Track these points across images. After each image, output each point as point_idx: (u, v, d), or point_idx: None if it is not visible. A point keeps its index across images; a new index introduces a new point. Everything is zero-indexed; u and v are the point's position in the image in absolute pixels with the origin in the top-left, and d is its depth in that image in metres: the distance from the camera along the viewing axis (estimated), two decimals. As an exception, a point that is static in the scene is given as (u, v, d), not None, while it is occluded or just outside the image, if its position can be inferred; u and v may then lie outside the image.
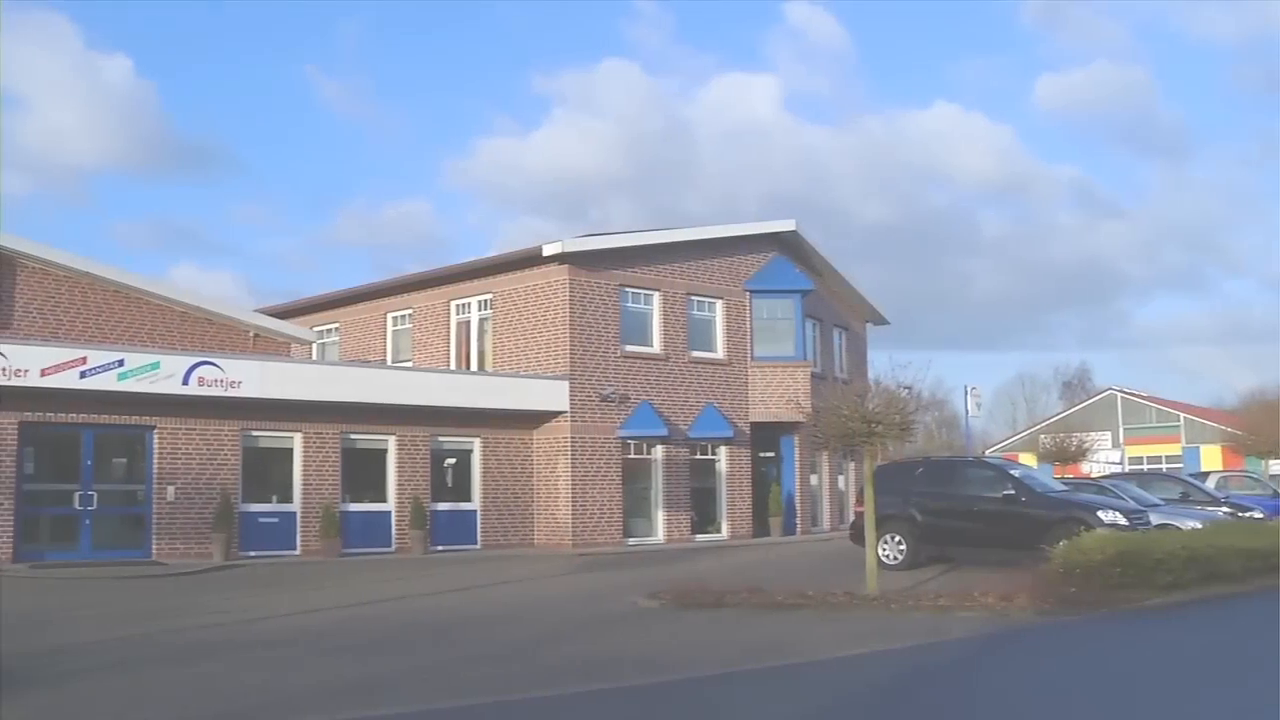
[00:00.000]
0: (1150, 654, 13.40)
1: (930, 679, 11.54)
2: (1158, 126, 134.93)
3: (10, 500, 23.40)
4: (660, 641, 14.16)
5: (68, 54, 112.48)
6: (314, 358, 35.36)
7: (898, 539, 22.66)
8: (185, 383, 24.50)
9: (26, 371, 22.78)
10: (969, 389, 47.20)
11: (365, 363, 34.15)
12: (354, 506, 27.70)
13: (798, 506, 34.99)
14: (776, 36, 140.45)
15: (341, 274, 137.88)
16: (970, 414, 48.79)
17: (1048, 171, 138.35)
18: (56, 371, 23.13)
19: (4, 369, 22.56)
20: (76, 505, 24.42)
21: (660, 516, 31.65)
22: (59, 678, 11.04)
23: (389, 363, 34.99)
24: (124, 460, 26.17)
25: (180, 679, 11.13)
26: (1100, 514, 20.65)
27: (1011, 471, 23.57)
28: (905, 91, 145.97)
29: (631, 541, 30.51)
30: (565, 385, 29.75)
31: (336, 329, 38.02)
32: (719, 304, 33.71)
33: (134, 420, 25.09)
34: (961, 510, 22.40)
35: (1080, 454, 39.84)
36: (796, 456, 35.30)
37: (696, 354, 32.79)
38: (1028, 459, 45.44)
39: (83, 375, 23.40)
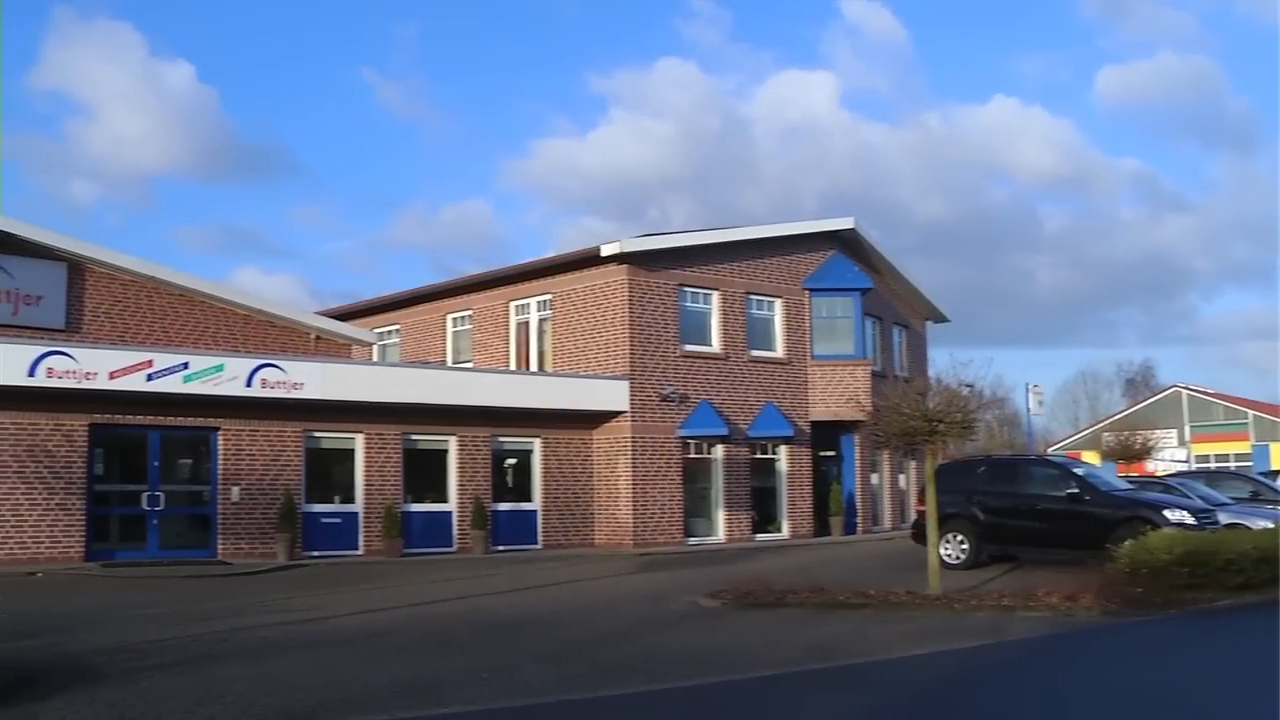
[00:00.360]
0: (1221, 657, 13.16)
1: (994, 679, 11.46)
2: (1225, 117, 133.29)
3: (82, 500, 23.83)
4: (722, 641, 14.14)
5: (132, 62, 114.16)
6: (375, 359, 35.65)
7: (960, 538, 22.52)
8: (249, 385, 24.81)
9: (96, 374, 23.19)
10: (1030, 387, 46.82)
11: (426, 364, 34.40)
12: (415, 507, 27.94)
13: (858, 506, 34.85)
14: (833, 33, 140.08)
15: (401, 275, 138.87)
16: (1032, 412, 48.41)
17: (1110, 165, 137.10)
18: (124, 374, 23.50)
19: (75, 372, 22.97)
20: (144, 505, 24.81)
21: (721, 516, 31.65)
22: (131, 673, 11.20)
23: (449, 364, 35.21)
24: (189, 461, 26.55)
25: (246, 676, 11.25)
26: (1167, 513, 20.38)
27: (1075, 470, 23.31)
28: (963, 87, 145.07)
29: (692, 541, 30.53)
30: (625, 385, 29.82)
31: (397, 330, 38.30)
32: (778, 303, 33.65)
33: (199, 422, 25.46)
34: (1024, 509, 22.20)
35: (1145, 452, 39.38)
36: (857, 455, 35.17)
37: (756, 353, 32.75)
38: (1090, 458, 44.95)
39: (149, 378, 23.77)
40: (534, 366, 33.12)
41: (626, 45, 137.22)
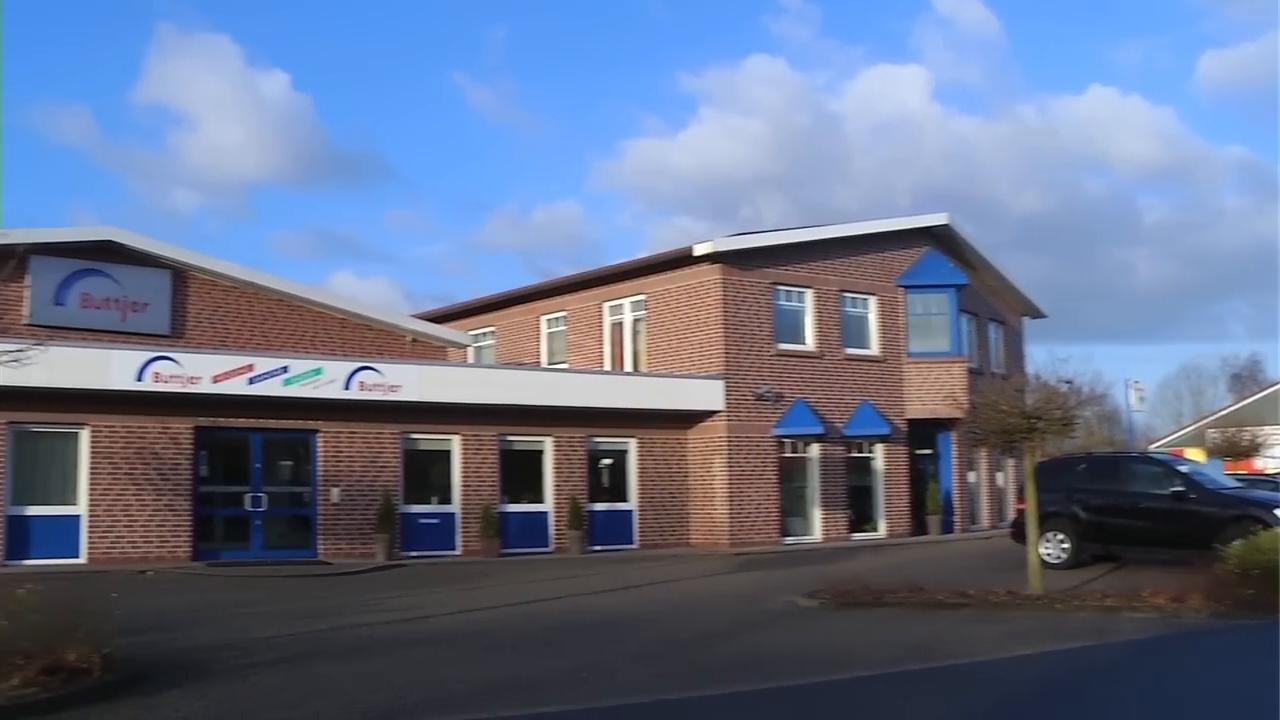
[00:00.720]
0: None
1: (1100, 681, 11.26)
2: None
3: (188, 501, 24.35)
4: (820, 641, 14.09)
5: (230, 73, 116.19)
6: (470, 361, 35.97)
7: (1060, 537, 22.20)
8: (347, 387, 25.18)
9: (200, 379, 23.68)
10: (1131, 382, 45.91)
11: (521, 365, 34.62)
12: (512, 507, 28.13)
13: (956, 504, 34.49)
14: (924, 26, 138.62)
15: (494, 278, 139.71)
16: (1132, 408, 47.48)
17: (1213, 153, 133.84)
18: (226, 378, 23.96)
19: (179, 376, 23.48)
20: (247, 507, 25.28)
21: (817, 515, 31.49)
22: (239, 670, 11.45)
23: (544, 365, 35.43)
24: (290, 463, 26.98)
25: (349, 674, 11.43)
26: (1279, 511, 19.89)
27: (1179, 467, 22.82)
28: (1059, 77, 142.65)
29: (788, 541, 30.41)
30: (720, 385, 29.79)
31: (492, 332, 38.60)
32: (872, 300, 33.42)
33: (299, 424, 25.87)
34: (1127, 508, 21.81)
35: (1253, 449, 38.54)
36: (954, 453, 34.81)
37: (850, 351, 32.55)
38: (1195, 455, 44.07)
39: (251, 381, 24.21)
40: (628, 367, 33.20)
41: (716, 43, 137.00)
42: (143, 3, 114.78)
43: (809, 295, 32.07)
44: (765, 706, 10.22)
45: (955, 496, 34.51)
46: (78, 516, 23.55)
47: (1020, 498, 22.23)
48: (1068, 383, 18.50)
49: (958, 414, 28.48)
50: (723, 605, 18.19)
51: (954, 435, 34.21)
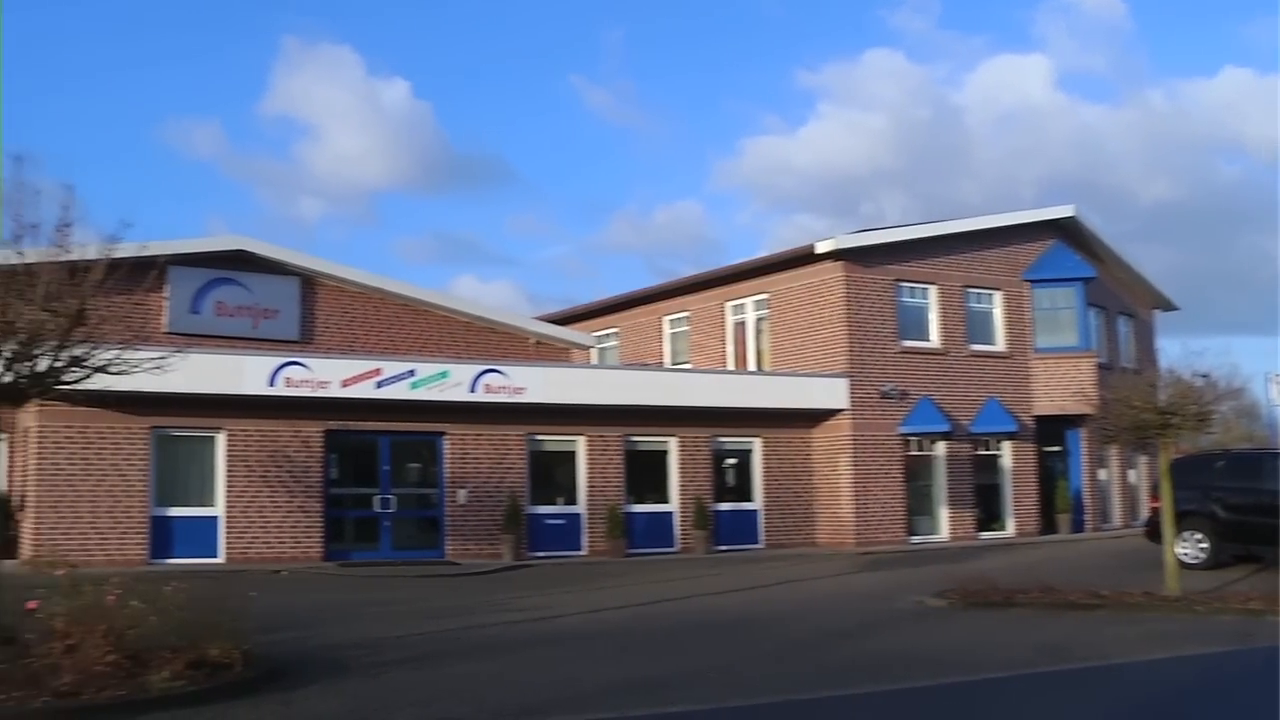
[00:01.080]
0: None
1: (1245, 687, 10.95)
2: None
3: (319, 503, 24.83)
4: (949, 641, 13.90)
5: (352, 83, 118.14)
6: (594, 363, 36.15)
7: (1198, 537, 21.62)
8: (472, 390, 25.47)
9: (329, 383, 24.15)
10: (1271, 376, 44.57)
11: (645, 366, 34.70)
12: (637, 507, 28.19)
13: (1086, 502, 33.74)
14: (1046, 13, 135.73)
15: (616, 279, 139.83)
16: (1273, 402, 46.11)
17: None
18: (355, 382, 24.40)
19: (310, 381, 23.98)
20: (376, 508, 25.71)
21: (943, 514, 31.08)
22: (370, 668, 11.62)
23: (667, 365, 35.47)
24: (418, 465, 27.33)
25: (479, 672, 11.55)
26: None
27: (1325, 464, 22.03)
28: (1189, 60, 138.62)
29: (915, 540, 30.06)
30: (844, 383, 29.55)
31: (614, 334, 38.75)
32: (997, 295, 32.88)
33: (426, 427, 26.21)
34: (1269, 506, 21.04)
35: (1400, 444, 37.17)
36: (1084, 450, 34.05)
37: (976, 347, 32.07)
38: (1340, 450, 42.62)
39: (378, 385, 24.62)
40: (751, 366, 33.09)
41: (833, 38, 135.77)
42: (268, 18, 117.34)
43: (933, 291, 31.67)
44: (895, 708, 10.11)
45: (1086, 495, 33.76)
46: (215, 517, 24.19)
47: (1154, 496, 21.62)
48: (1203, 377, 17.98)
49: (1088, 410, 27.86)
50: (849, 605, 18.05)
51: (1084, 432, 33.45)
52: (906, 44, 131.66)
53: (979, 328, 32.42)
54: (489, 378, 25.72)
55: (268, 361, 24.10)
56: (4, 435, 25.26)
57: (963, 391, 31.38)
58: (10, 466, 25.38)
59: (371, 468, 26.23)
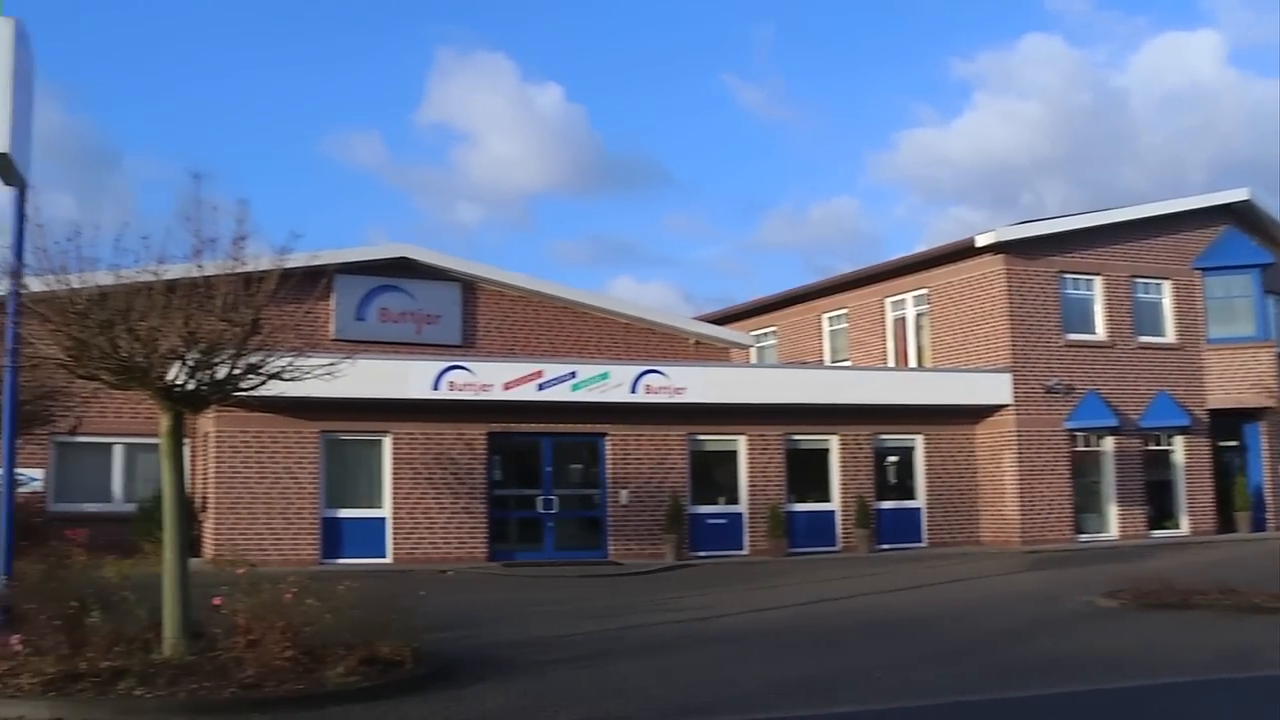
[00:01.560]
0: None
1: None
2: None
3: (483, 504, 25.24)
4: (1124, 643, 13.47)
5: (507, 89, 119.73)
6: (753, 362, 36.06)
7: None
8: (633, 391, 25.60)
9: (491, 386, 24.55)
10: None
11: (805, 364, 34.51)
12: (799, 506, 28.00)
13: (1268, 499, 32.44)
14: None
15: (773, 277, 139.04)
16: None
17: None
18: (517, 385, 24.73)
19: (473, 384, 24.40)
20: (539, 509, 26.00)
21: (1113, 511, 30.21)
22: (537, 666, 11.76)
23: (827, 363, 35.20)
24: (580, 466, 27.56)
25: (643, 671, 11.58)
26: None
27: None
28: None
29: (1083, 538, 29.28)
30: (1007, 378, 28.96)
31: (773, 332, 38.59)
32: (1166, 285, 31.84)
33: (587, 428, 26.43)
34: None
35: None
36: (1264, 445, 32.74)
37: (1144, 339, 31.10)
38: None
39: (540, 387, 24.91)
40: (912, 362, 32.66)
41: (987, 26, 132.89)
42: (422, 31, 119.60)
43: (1098, 282, 30.82)
44: (1068, 711, 9.85)
45: (1267, 491, 32.44)
46: (383, 519, 24.77)
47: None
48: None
49: (1268, 403, 26.89)
50: (1017, 605, 17.68)
51: (1263, 426, 32.15)
52: (1065, 27, 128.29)
53: (1147, 319, 31.42)
54: (649, 378, 25.83)
55: (432, 366, 24.60)
56: (187, 439, 26.19)
57: (1131, 385, 30.47)
58: (192, 470, 26.32)
59: (534, 469, 26.54)
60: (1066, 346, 29.87)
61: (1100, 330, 30.69)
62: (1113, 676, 11.07)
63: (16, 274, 11.53)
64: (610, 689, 10.59)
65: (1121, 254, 31.20)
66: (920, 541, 28.94)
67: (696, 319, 35.38)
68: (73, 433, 24.87)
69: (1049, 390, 29.20)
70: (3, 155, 11.47)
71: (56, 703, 9.33)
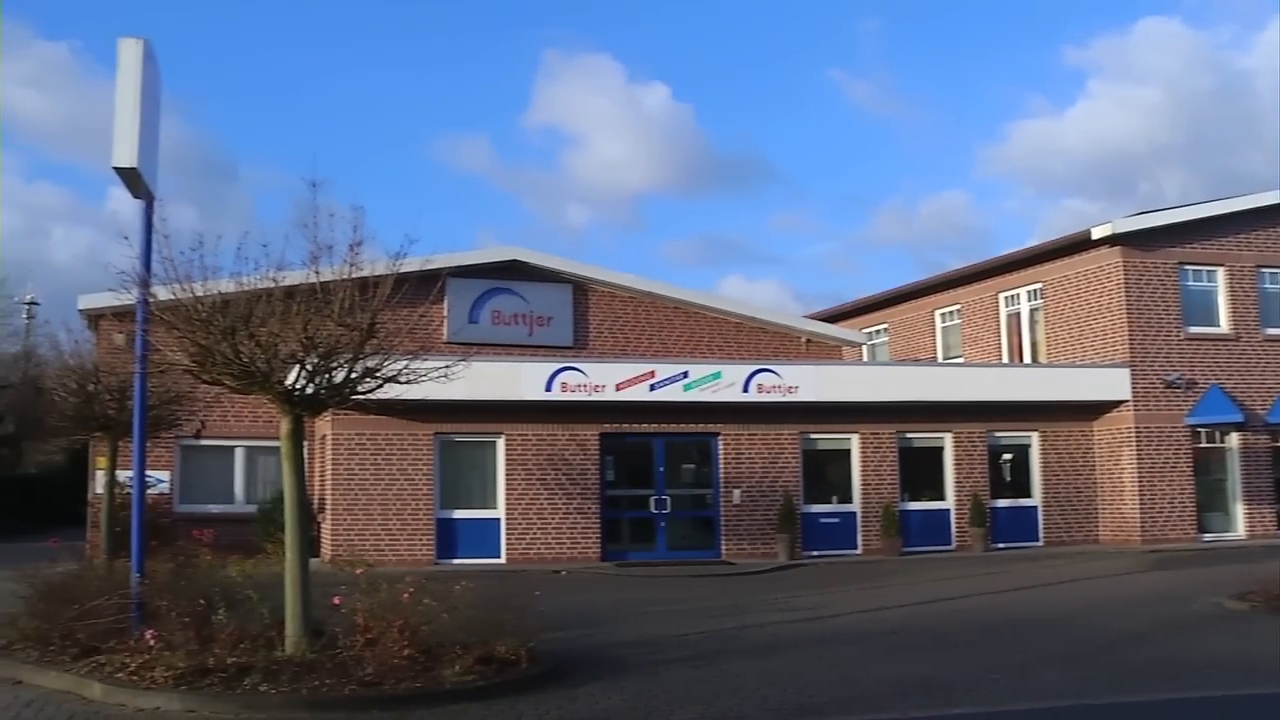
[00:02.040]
0: None
1: None
2: None
3: (596, 505, 25.40)
4: (1255, 647, 13.09)
5: (613, 89, 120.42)
6: (865, 360, 35.84)
7: None
8: (745, 390, 25.61)
9: (603, 387, 24.72)
10: None
11: (917, 361, 34.24)
12: (912, 505, 27.77)
13: None
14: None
15: (883, 274, 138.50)
16: None
17: None
18: (629, 385, 24.87)
19: (585, 385, 24.59)
20: (652, 509, 26.10)
21: (1239, 510, 29.47)
22: (650, 666, 11.84)
23: (939, 360, 34.88)
24: (692, 466, 27.60)
25: (757, 671, 11.59)
26: None
27: None
28: None
29: (1206, 537, 28.61)
30: (1125, 373, 28.41)
31: (884, 329, 38.34)
32: (1295, 274, 30.97)
33: (699, 428, 26.47)
34: None
35: None
36: (1406, 440, 31.70)
37: (1271, 331, 30.26)
38: None
39: (652, 388, 25.02)
40: (1026, 358, 32.20)
41: (1101, 11, 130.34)
42: (529, 34, 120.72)
43: (1220, 273, 30.10)
44: (1194, 718, 9.66)
45: None
46: (497, 519, 25.07)
47: None
48: None
49: None
50: (1140, 606, 17.33)
51: (1401, 420, 31.16)
52: (1183, 9, 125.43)
53: (1274, 310, 30.59)
54: (761, 377, 25.81)
55: (544, 368, 24.86)
56: (306, 441, 26.76)
57: (1257, 379, 29.71)
58: (309, 472, 26.88)
59: (646, 469, 26.64)
60: (1187, 340, 29.22)
61: (1224, 323, 29.95)
62: (1242, 683, 10.82)
63: (144, 283, 11.89)
64: (725, 689, 10.62)
65: (1246, 243, 30.42)
66: (1036, 540, 28.50)
67: (807, 317, 35.28)
68: (197, 436, 25.59)
69: (1169, 385, 28.59)
70: (132, 170, 11.82)
71: (188, 696, 9.70)
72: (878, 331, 38.38)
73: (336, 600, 11.38)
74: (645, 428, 26.24)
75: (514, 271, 28.42)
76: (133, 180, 12.06)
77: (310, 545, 13.58)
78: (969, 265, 35.12)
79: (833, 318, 38.13)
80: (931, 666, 11.88)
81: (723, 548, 26.19)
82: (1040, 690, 10.50)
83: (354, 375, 11.65)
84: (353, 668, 10.18)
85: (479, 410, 24.54)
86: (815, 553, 26.21)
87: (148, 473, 13.79)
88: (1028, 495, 28.98)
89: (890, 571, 23.39)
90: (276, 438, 12.33)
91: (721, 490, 26.49)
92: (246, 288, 11.14)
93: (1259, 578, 17.26)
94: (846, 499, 27.47)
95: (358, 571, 12.22)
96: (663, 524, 26.30)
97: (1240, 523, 29.34)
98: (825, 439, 27.62)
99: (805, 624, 15.69)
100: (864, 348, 36.05)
